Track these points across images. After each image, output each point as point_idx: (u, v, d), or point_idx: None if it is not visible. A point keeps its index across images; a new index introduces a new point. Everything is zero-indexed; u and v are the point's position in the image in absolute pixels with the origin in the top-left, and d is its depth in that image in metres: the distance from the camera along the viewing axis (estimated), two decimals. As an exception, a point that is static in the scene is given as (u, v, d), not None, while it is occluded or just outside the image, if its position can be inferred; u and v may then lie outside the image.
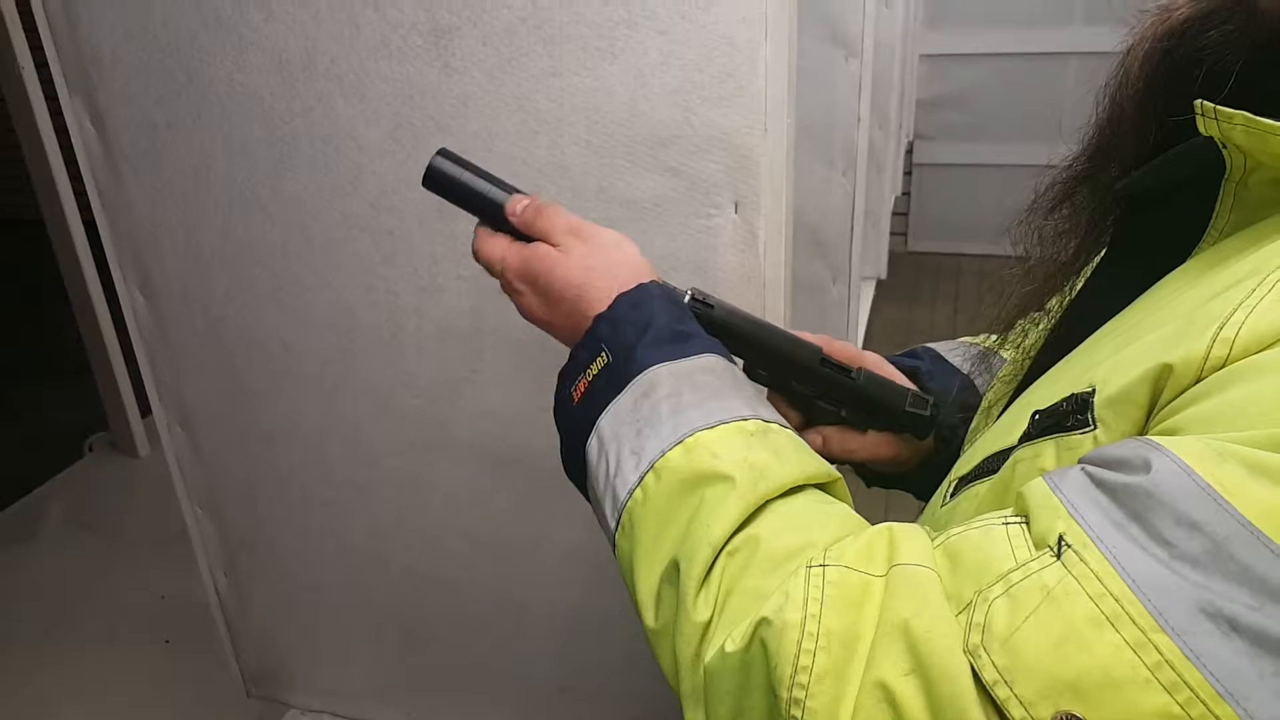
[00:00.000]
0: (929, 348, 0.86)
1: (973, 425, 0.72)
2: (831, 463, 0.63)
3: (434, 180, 0.69)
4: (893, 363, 0.80)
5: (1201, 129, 0.48)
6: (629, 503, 0.55)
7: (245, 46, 0.89)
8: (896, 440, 0.76)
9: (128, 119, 0.98)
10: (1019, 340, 0.69)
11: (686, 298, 0.68)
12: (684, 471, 0.53)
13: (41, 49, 1.01)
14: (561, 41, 0.79)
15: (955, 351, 0.85)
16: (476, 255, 0.69)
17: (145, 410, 2.83)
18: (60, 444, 2.96)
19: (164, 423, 1.18)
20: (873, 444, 0.75)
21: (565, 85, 0.81)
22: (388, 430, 1.04)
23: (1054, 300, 0.66)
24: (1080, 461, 0.44)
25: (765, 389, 0.74)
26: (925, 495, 0.79)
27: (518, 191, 0.69)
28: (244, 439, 1.13)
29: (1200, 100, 0.47)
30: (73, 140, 1.02)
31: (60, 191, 2.60)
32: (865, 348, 0.80)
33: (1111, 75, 0.57)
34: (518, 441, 0.98)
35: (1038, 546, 0.40)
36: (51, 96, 2.11)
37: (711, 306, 0.69)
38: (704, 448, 0.54)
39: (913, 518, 0.76)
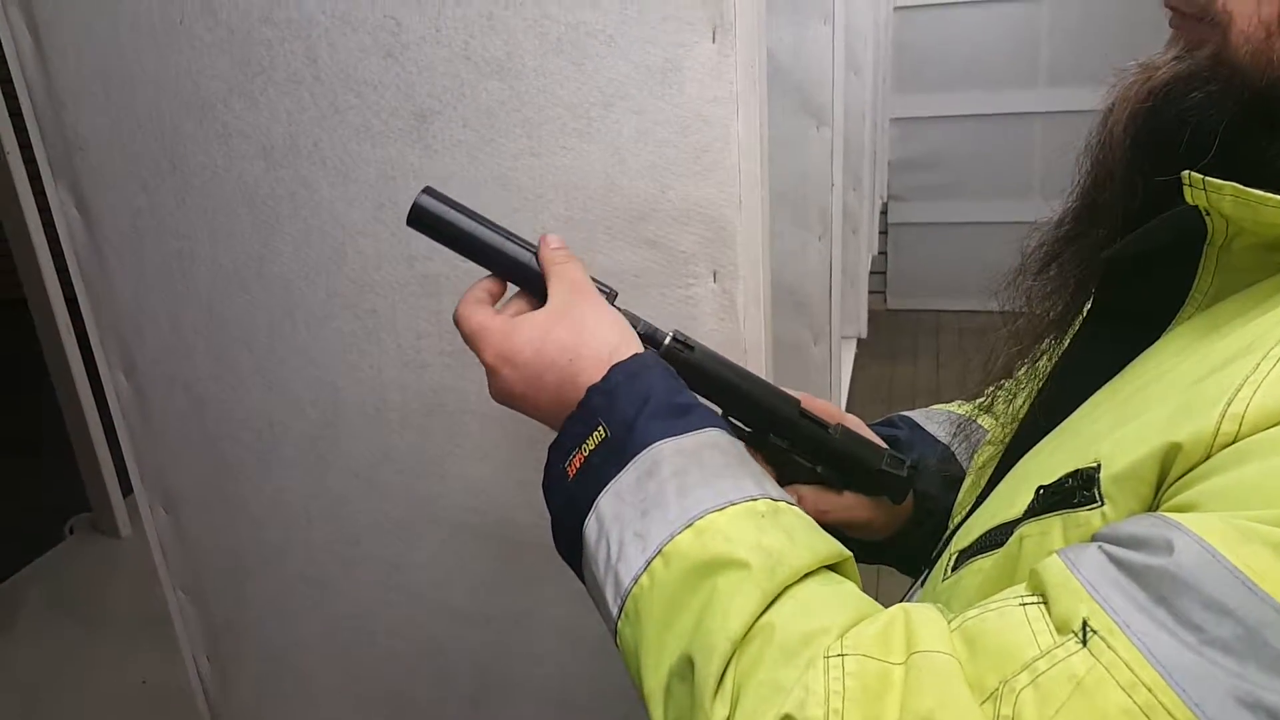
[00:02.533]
0: (906, 416, 0.85)
1: (962, 490, 0.72)
2: None
3: (420, 220, 0.67)
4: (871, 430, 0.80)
5: (1189, 198, 0.48)
6: (634, 589, 0.52)
7: (229, 133, 0.91)
8: (872, 504, 0.74)
9: (112, 204, 0.99)
10: (1007, 402, 0.69)
11: (668, 339, 0.67)
12: (695, 557, 0.50)
13: (26, 133, 1.03)
14: (540, 123, 0.81)
15: (932, 419, 0.85)
16: (456, 319, 0.66)
17: (127, 489, 2.80)
18: (41, 526, 2.92)
19: (146, 505, 1.17)
20: (848, 505, 0.73)
21: (544, 164, 0.83)
22: (372, 506, 1.04)
23: (1042, 361, 0.66)
24: (1095, 539, 0.43)
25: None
26: (907, 568, 0.78)
27: (509, 233, 0.67)
28: (227, 519, 1.12)
29: (1188, 172, 0.48)
30: (57, 226, 1.03)
31: (43, 272, 2.61)
32: (849, 406, 0.80)
33: (1093, 136, 0.57)
34: (503, 515, 0.98)
35: (1060, 631, 0.39)
36: (35, 178, 2.13)
37: (692, 349, 0.68)
38: (716, 531, 0.51)
39: (902, 586, 0.77)
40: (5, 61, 0.98)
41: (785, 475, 0.73)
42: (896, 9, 4.61)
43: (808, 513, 0.70)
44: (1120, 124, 0.54)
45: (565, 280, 0.65)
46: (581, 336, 0.62)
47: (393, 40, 0.83)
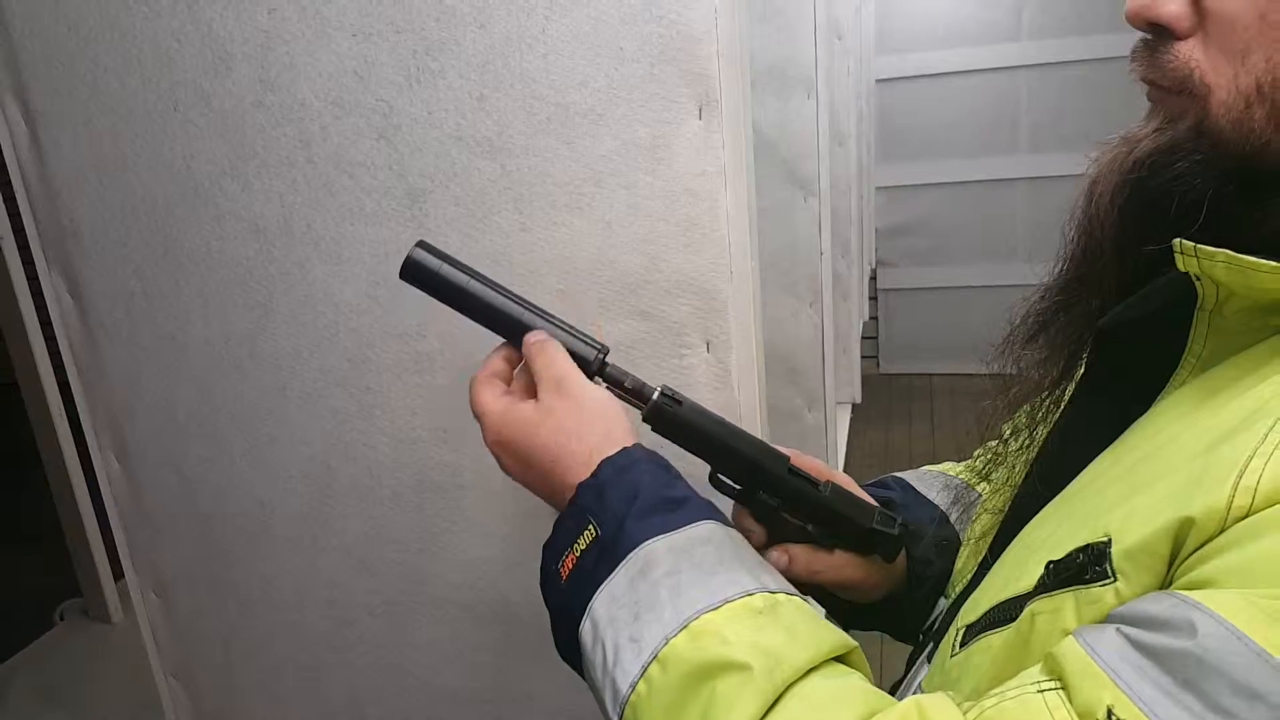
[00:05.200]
0: (899, 477, 0.84)
1: (961, 559, 0.71)
2: (796, 585, 0.61)
3: (412, 273, 0.68)
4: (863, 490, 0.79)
5: (1180, 266, 0.49)
6: (631, 696, 0.51)
7: (222, 215, 0.92)
8: (865, 563, 0.72)
9: (105, 289, 1.00)
10: (1007, 469, 0.68)
11: (656, 394, 0.67)
12: (691, 661, 0.49)
13: (20, 218, 1.03)
14: (531, 199, 0.82)
15: (925, 481, 0.84)
16: (470, 394, 0.67)
17: (119, 574, 2.76)
18: (31, 612, 2.88)
19: (137, 590, 1.15)
20: (840, 565, 0.72)
21: (536, 239, 0.83)
22: (366, 587, 1.02)
23: (1039, 429, 0.66)
24: (1111, 619, 0.42)
25: (753, 534, 0.72)
26: (902, 635, 0.77)
27: (499, 286, 0.68)
28: (219, 603, 1.10)
29: (1179, 240, 0.48)
30: (50, 311, 1.04)
31: (36, 356, 2.61)
32: (846, 471, 0.79)
33: (1078, 208, 0.57)
34: (500, 594, 0.97)
35: (1083, 719, 0.39)
36: (29, 263, 2.15)
37: (680, 404, 0.67)
38: (712, 633, 0.50)
39: (902, 654, 0.75)
40: (0, 148, 0.99)
41: (775, 533, 0.72)
42: (878, 81, 4.71)
43: (799, 574, 0.69)
44: (1106, 196, 0.54)
45: (545, 372, 0.65)
46: (564, 435, 0.62)
47: (385, 122, 0.84)
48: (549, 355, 0.65)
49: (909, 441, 4.31)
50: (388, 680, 1.06)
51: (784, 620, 0.51)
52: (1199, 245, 0.47)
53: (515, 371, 0.69)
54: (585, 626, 0.55)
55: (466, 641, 1.01)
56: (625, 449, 0.61)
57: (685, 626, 0.51)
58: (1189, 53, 0.49)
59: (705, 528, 0.57)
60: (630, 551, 0.55)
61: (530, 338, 0.67)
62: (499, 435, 0.64)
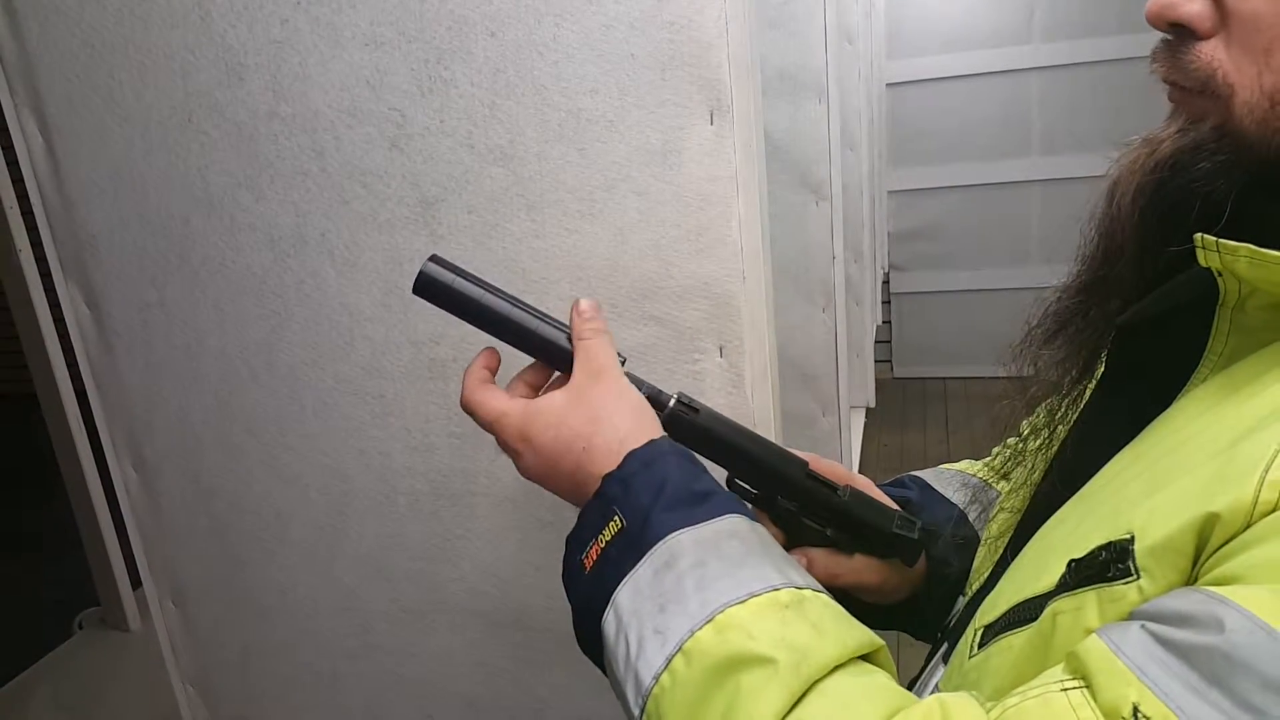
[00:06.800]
0: (916, 476, 0.84)
1: (978, 558, 0.70)
2: None
3: (426, 288, 0.67)
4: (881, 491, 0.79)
5: (1202, 261, 0.48)
6: (654, 689, 0.50)
7: (237, 227, 0.92)
8: (883, 566, 0.72)
9: (121, 300, 1.00)
10: (1025, 468, 0.67)
11: (672, 401, 0.67)
12: (716, 655, 0.49)
13: (38, 231, 1.04)
14: (543, 206, 0.82)
15: (943, 480, 0.83)
16: (467, 408, 0.66)
17: (136, 583, 2.78)
18: (50, 621, 2.89)
19: (155, 599, 1.15)
20: (859, 568, 0.71)
21: (548, 246, 0.84)
22: (382, 594, 1.02)
23: (1059, 428, 0.65)
24: (1135, 616, 0.41)
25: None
26: (922, 634, 0.77)
27: (514, 298, 0.67)
28: (236, 611, 1.11)
29: (1201, 234, 0.48)
30: (67, 322, 1.05)
31: (54, 367, 2.63)
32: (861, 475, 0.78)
33: (1099, 209, 0.56)
34: (515, 600, 0.97)
35: (1108, 718, 0.38)
36: (46, 275, 2.16)
37: (697, 411, 0.67)
38: (737, 626, 0.50)
39: (920, 651, 0.75)
40: (17, 161, 1.00)
41: (794, 538, 0.71)
42: (889, 85, 4.71)
43: (818, 576, 0.67)
44: (1128, 197, 0.53)
45: (588, 361, 0.64)
46: (596, 423, 0.61)
47: (398, 131, 0.84)
48: (600, 344, 0.65)
49: (923, 445, 4.29)
50: (404, 687, 1.06)
51: (810, 616, 0.51)
52: (1221, 240, 0.47)
53: (515, 377, 0.68)
54: (609, 618, 0.55)
55: (481, 648, 1.01)
56: (652, 441, 0.60)
57: (710, 619, 0.50)
58: (1211, 53, 0.48)
59: (731, 521, 0.57)
60: (656, 543, 0.55)
61: (585, 310, 0.66)
62: (523, 431, 0.63)
